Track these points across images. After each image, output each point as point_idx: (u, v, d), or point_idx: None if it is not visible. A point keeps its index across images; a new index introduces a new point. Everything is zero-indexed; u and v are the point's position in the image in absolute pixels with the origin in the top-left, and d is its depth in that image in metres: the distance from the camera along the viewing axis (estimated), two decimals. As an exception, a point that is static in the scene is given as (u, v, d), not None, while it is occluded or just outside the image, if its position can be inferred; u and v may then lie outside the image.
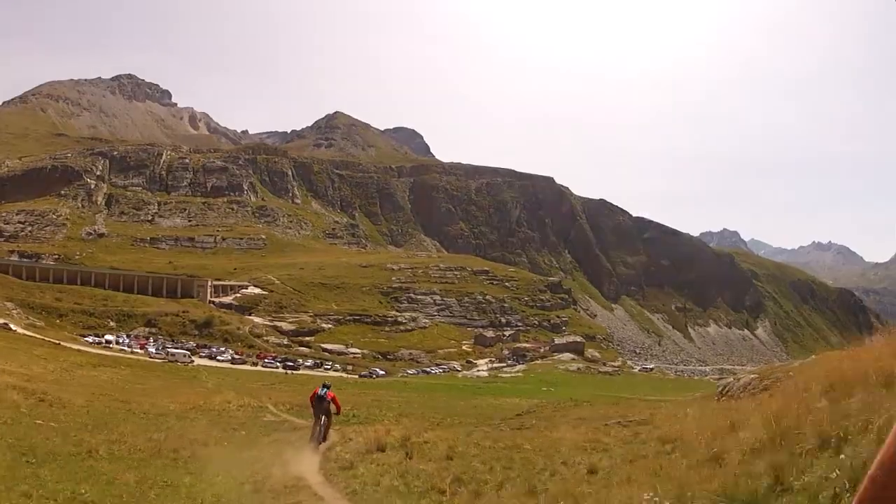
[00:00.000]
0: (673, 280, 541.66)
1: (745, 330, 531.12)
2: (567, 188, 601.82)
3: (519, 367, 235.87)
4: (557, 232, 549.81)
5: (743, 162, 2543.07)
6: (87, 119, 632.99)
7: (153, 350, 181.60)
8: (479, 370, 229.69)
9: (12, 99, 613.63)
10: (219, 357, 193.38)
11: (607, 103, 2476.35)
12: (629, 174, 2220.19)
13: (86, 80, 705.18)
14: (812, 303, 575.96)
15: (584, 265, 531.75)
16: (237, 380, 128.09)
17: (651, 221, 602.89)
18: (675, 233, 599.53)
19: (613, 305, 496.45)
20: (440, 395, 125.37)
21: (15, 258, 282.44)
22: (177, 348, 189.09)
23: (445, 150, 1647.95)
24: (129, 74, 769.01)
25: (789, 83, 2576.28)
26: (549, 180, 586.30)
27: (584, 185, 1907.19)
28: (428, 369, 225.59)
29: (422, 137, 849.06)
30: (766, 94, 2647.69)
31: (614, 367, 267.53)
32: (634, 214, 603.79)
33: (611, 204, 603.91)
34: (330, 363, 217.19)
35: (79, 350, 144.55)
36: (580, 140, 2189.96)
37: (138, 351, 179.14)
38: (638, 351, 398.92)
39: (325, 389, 33.40)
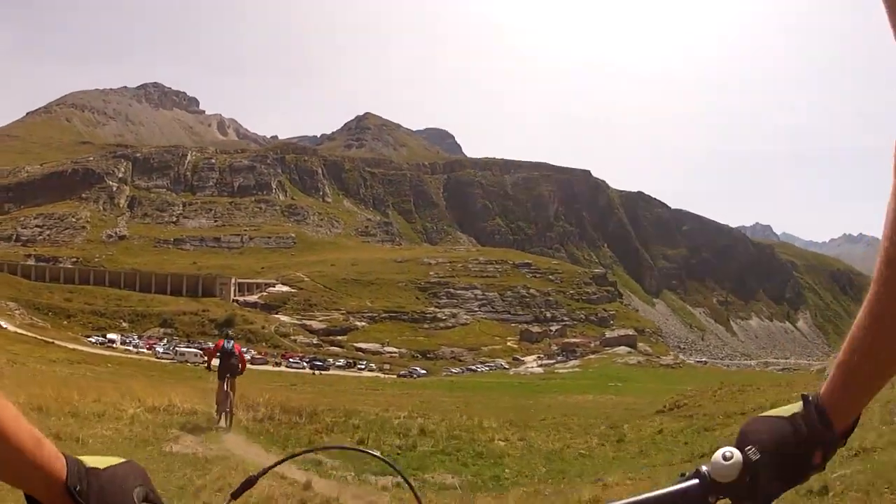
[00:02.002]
0: (714, 273, 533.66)
1: (787, 322, 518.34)
2: (603, 181, 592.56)
3: (572, 362, 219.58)
4: (595, 226, 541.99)
5: (772, 156, 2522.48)
6: (114, 128, 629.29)
7: (161, 350, 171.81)
8: (529, 367, 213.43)
9: (36, 109, 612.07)
10: None
11: (636, 100, 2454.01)
12: (659, 170, 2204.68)
13: (111, 89, 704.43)
14: (851, 293, 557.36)
15: (624, 259, 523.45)
16: (249, 381, 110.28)
17: (690, 213, 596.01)
18: (714, 224, 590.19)
19: (655, 300, 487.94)
20: (498, 394, 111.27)
21: (32, 262, 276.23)
22: (189, 348, 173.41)
23: (477, 149, 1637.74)
24: (156, 83, 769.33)
25: (817, 74, 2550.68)
26: (586, 173, 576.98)
27: (618, 179, 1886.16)
28: (473, 367, 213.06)
29: (453, 138, 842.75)
30: (798, 87, 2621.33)
31: (674, 360, 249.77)
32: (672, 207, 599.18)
33: (648, 196, 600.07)
34: (364, 363, 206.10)
35: (73, 349, 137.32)
36: (613, 135, 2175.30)
37: (145, 351, 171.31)
38: (682, 346, 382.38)
39: (231, 342, 27.93)
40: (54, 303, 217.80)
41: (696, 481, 1.77)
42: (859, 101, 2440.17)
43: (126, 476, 1.74)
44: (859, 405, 1.84)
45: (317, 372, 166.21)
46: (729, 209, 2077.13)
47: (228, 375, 26.55)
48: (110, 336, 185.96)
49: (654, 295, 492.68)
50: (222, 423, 25.82)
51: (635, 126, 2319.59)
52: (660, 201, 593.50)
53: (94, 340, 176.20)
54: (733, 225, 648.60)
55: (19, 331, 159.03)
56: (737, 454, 1.79)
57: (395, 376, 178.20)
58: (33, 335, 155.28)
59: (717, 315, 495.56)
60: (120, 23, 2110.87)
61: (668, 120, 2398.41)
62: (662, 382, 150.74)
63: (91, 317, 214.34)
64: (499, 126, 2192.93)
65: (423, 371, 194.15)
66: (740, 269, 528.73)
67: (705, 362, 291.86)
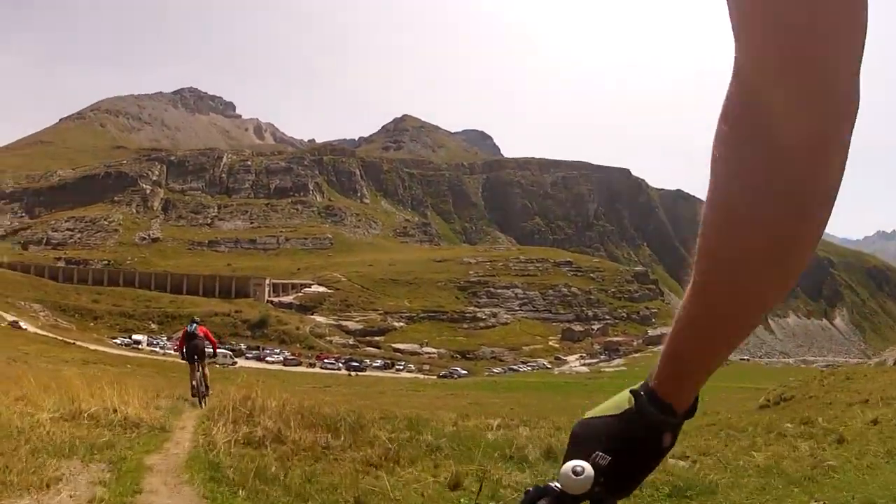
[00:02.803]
0: None
1: (824, 320, 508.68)
2: (643, 180, 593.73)
3: (616, 361, 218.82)
4: (635, 224, 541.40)
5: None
6: (149, 133, 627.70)
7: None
8: (572, 367, 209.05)
9: (69, 115, 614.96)
10: (269, 358, 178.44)
11: (672, 97, 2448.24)
12: (695, 166, 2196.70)
13: (146, 94, 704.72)
14: (887, 289, 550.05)
15: (664, 257, 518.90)
16: (282, 382, 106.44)
17: None
18: None
19: None
20: (548, 394, 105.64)
21: (62, 265, 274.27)
22: (219, 349, 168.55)
23: (516, 150, 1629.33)
24: (191, 88, 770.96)
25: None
26: (625, 172, 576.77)
27: (658, 177, 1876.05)
28: (515, 367, 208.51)
29: (491, 138, 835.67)
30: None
31: None
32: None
33: (687, 193, 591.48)
34: (403, 363, 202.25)
35: (94, 350, 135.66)
36: (652, 133, 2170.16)
37: (172, 352, 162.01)
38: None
39: (195, 325, 27.17)
40: (81, 304, 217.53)
41: (544, 501, 1.67)
42: (893, 97, 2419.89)
43: None
44: (698, 386, 1.78)
45: (353, 373, 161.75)
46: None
47: (197, 357, 26.27)
48: (136, 337, 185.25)
49: None
50: (203, 408, 23.74)
51: (671, 122, 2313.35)
52: (699, 198, 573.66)
53: (118, 342, 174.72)
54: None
55: (40, 332, 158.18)
56: (587, 467, 1.69)
57: (435, 377, 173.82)
58: (53, 336, 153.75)
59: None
60: (153, 29, 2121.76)
61: (704, 117, 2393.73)
62: (712, 380, 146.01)
63: (119, 318, 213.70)
64: (536, 126, 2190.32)
65: (464, 371, 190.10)
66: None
67: (748, 360, 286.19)
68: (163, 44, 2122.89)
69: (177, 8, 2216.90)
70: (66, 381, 23.17)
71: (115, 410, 17.85)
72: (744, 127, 1.36)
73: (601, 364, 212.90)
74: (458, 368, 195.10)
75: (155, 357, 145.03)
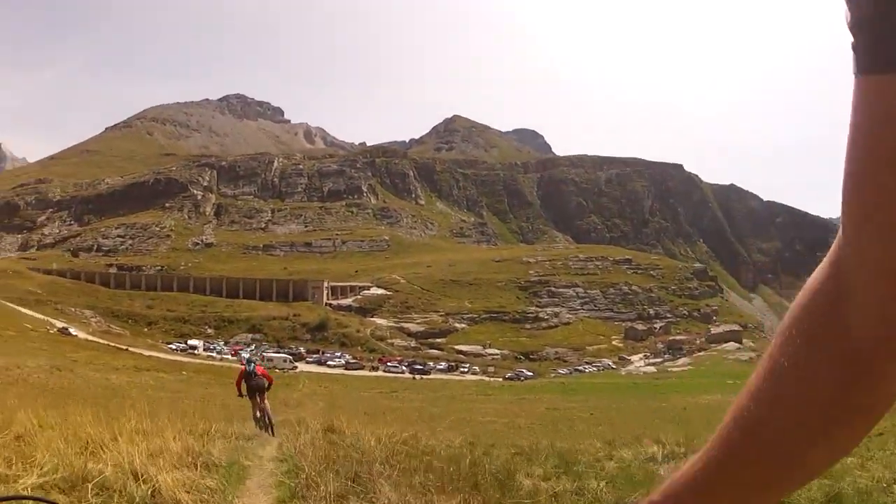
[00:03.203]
0: (808, 265, 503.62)
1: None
2: (696, 175, 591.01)
3: (681, 360, 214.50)
4: (690, 220, 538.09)
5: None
6: (198, 140, 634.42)
7: (246, 356, 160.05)
8: (637, 366, 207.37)
9: (116, 124, 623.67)
10: (330, 362, 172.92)
11: (723, 93, 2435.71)
12: (739, 160, 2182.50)
13: (192, 102, 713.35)
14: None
15: (720, 253, 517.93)
16: (345, 387, 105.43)
17: (782, 205, 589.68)
18: (805, 216, 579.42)
19: (752, 295, 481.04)
20: (622, 396, 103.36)
21: (113, 271, 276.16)
22: (278, 353, 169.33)
23: (567, 147, 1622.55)
24: (238, 94, 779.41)
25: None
26: (678, 167, 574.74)
27: (709, 172, 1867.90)
28: (580, 368, 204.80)
29: (543, 137, 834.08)
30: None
31: None
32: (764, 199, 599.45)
33: (740, 188, 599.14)
34: (467, 366, 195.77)
35: (148, 356, 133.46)
36: (704, 128, 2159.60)
37: (229, 357, 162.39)
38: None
39: (252, 364, 28.27)
40: (134, 310, 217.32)
41: None
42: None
43: None
44: None
45: (417, 376, 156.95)
46: (813, 199, 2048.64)
47: (258, 393, 27.14)
48: (192, 342, 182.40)
49: (750, 290, 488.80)
50: (272, 435, 23.54)
51: (721, 116, 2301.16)
52: (752, 193, 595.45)
53: (174, 347, 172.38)
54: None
55: (90, 338, 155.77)
56: None
57: (500, 379, 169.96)
58: (105, 342, 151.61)
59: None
60: (197, 37, 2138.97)
61: (751, 113, 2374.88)
62: None
63: (174, 323, 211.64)
64: (586, 123, 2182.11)
65: (530, 373, 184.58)
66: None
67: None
68: (205, 52, 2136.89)
69: (219, 16, 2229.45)
70: (80, 409, 16.32)
71: (138, 477, 10.06)
72: (826, 328, 1.30)
73: (666, 363, 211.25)
74: (524, 370, 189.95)
75: (212, 363, 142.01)
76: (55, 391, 54.55)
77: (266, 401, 27.10)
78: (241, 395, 27.77)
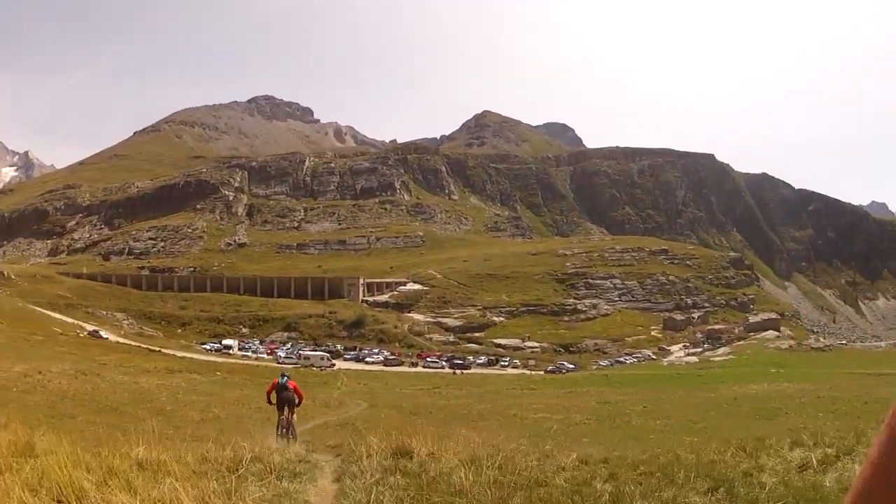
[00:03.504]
0: (840, 253, 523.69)
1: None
2: (728, 164, 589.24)
3: (721, 349, 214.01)
4: (723, 210, 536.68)
5: (886, 133, 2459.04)
6: (228, 142, 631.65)
7: (282, 354, 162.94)
8: (676, 357, 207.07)
9: (144, 128, 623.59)
10: (368, 359, 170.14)
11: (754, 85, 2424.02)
12: (769, 148, 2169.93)
13: (221, 104, 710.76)
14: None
15: (753, 242, 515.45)
16: (385, 385, 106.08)
17: (814, 193, 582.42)
18: (838, 203, 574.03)
19: (786, 283, 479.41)
20: (666, 388, 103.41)
21: (145, 273, 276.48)
22: (315, 351, 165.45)
23: (598, 140, 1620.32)
24: (267, 95, 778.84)
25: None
26: (710, 157, 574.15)
27: (740, 161, 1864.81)
28: (621, 359, 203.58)
29: (573, 130, 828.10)
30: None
31: (825, 343, 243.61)
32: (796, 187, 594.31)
33: (772, 177, 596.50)
34: (507, 359, 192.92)
35: (181, 357, 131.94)
36: (736, 118, 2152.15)
37: (265, 356, 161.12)
38: (815, 329, 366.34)
39: (286, 378, 29.21)
40: (167, 311, 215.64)
41: None
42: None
43: None
44: None
45: (458, 371, 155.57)
46: (845, 188, 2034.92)
47: (286, 406, 27.88)
48: (226, 342, 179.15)
49: (785, 278, 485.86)
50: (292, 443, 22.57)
51: (754, 106, 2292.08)
52: (784, 182, 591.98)
53: (208, 347, 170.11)
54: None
55: (122, 340, 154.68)
56: None
57: (542, 372, 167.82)
58: (136, 344, 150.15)
59: (845, 296, 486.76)
60: (223, 40, 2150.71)
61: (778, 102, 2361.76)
62: (822, 367, 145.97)
63: (208, 324, 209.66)
64: (616, 115, 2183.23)
65: (571, 365, 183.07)
66: (865, 249, 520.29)
67: (845, 344, 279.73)
68: (233, 55, 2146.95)
69: (245, 20, 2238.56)
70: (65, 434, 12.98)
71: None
72: None
73: (707, 353, 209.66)
74: (565, 363, 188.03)
75: (247, 362, 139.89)
76: (72, 399, 53.31)
77: (294, 415, 28.24)
78: (270, 402, 28.82)
